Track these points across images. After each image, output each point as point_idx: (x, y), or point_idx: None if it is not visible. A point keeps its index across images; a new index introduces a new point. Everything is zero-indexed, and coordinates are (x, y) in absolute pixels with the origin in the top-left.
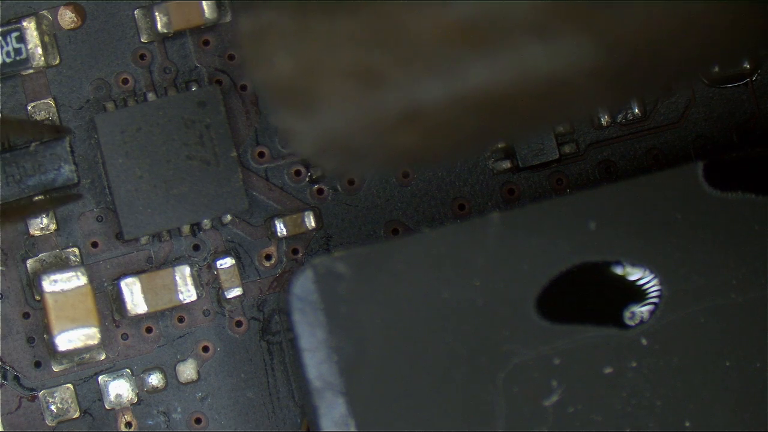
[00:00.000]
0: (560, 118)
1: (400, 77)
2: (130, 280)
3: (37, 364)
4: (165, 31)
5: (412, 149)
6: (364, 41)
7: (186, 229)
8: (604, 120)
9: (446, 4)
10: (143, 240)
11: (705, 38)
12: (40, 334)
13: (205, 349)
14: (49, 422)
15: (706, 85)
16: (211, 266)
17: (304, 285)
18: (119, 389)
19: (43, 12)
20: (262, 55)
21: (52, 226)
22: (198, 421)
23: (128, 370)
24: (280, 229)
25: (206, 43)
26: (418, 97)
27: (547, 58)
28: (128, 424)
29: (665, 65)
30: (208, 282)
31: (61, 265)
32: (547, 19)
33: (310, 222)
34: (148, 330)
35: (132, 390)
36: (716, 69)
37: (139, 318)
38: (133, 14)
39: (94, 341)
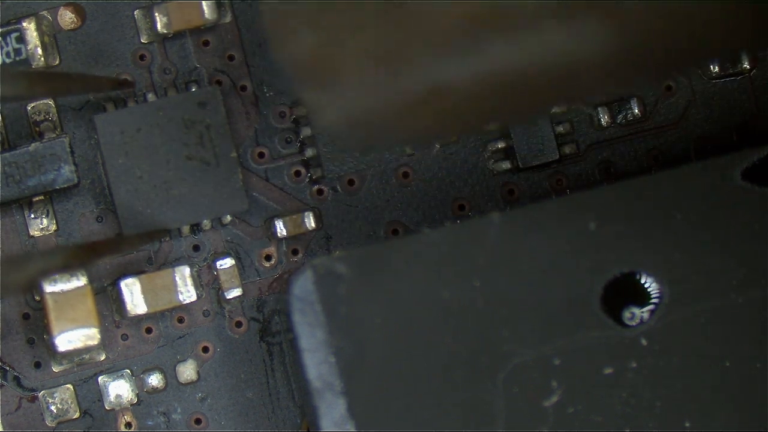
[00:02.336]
0: (576, 100)
1: (421, 56)
2: (129, 280)
3: (37, 365)
4: (165, 31)
5: (432, 126)
6: (386, 20)
7: (186, 229)
8: (604, 120)
9: None
10: None
11: (708, 29)
12: (40, 334)
13: (205, 349)
14: (49, 423)
15: (705, 80)
16: (211, 267)
17: (304, 285)
18: (119, 390)
19: (43, 12)
20: (286, 32)
21: (52, 227)
22: (198, 421)
23: (128, 371)
24: (280, 229)
25: (206, 43)
26: (438, 76)
27: (562, 41)
28: (128, 425)
29: (674, 52)
30: (208, 282)
31: None
32: (565, 5)
33: (310, 222)
34: (148, 330)
35: (132, 390)
36: (715, 68)
37: (139, 318)
38: (133, 15)
39: (94, 342)
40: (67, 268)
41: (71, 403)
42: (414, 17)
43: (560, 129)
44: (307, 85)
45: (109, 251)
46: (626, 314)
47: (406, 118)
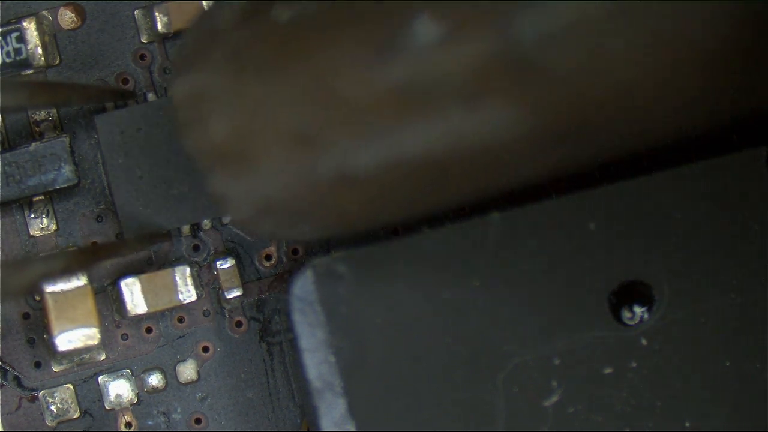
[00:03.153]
0: (495, 184)
1: (334, 141)
2: (130, 280)
3: (37, 365)
4: (165, 31)
5: (350, 212)
6: (299, 105)
7: (186, 229)
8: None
9: (378, 69)
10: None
11: (642, 106)
12: (40, 334)
13: (205, 349)
14: (49, 422)
15: None
16: (211, 266)
17: (304, 285)
18: (119, 389)
19: (43, 12)
20: (197, 118)
21: (52, 226)
22: (198, 421)
23: (128, 371)
24: None
25: None
26: (354, 161)
27: (476, 126)
28: (128, 425)
29: (600, 131)
30: (208, 282)
31: None
32: (477, 88)
33: None
34: (148, 330)
35: (132, 390)
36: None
37: (139, 318)
38: (133, 14)
39: (94, 341)
40: (68, 272)
41: (71, 402)
42: (329, 100)
43: None
44: (219, 173)
45: (109, 255)
46: (626, 314)
47: (323, 206)
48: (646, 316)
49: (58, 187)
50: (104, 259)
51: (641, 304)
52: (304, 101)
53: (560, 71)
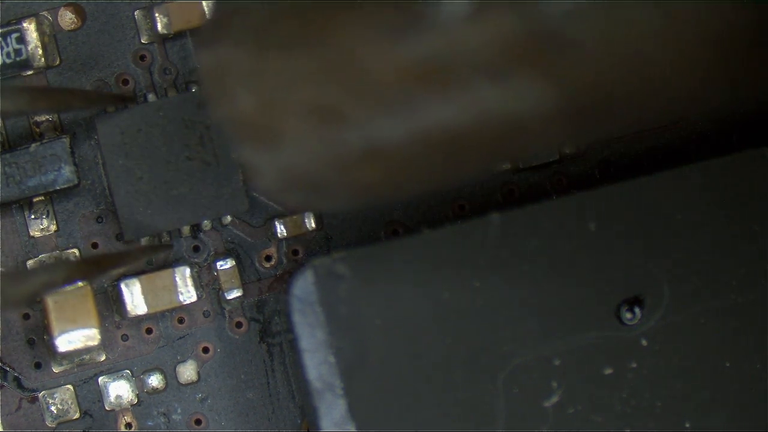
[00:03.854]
0: (516, 156)
1: (358, 114)
2: (130, 281)
3: (38, 365)
4: (165, 31)
5: (373, 185)
6: (323, 78)
7: (186, 230)
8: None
9: (403, 43)
10: (143, 241)
11: (661, 86)
12: (40, 335)
13: (205, 350)
14: (50, 423)
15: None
16: (211, 267)
17: (304, 286)
18: (119, 390)
19: (44, 13)
20: (223, 91)
21: (53, 227)
22: (198, 422)
23: (128, 371)
24: (281, 230)
25: None
26: (377, 134)
27: (500, 99)
28: (128, 425)
29: (620, 109)
30: (208, 283)
31: None
32: (501, 61)
33: (310, 223)
34: (148, 331)
35: (132, 391)
36: None
37: (139, 319)
38: (134, 15)
39: (94, 342)
40: (68, 281)
41: (71, 403)
42: (352, 75)
43: None
44: (246, 144)
45: (111, 265)
46: (626, 315)
47: (346, 178)
48: (646, 317)
49: (58, 187)
50: (106, 269)
51: (641, 305)
52: (327, 76)
53: (585, 46)
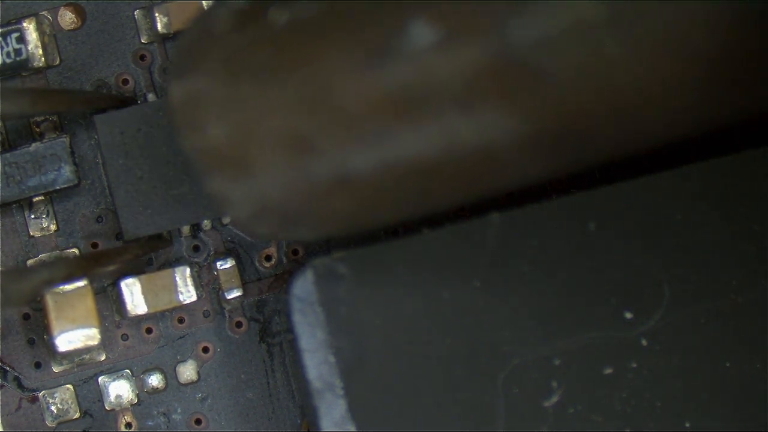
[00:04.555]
0: (490, 188)
1: (330, 144)
2: (130, 280)
3: (38, 365)
4: (165, 31)
5: (345, 215)
6: (295, 108)
7: (186, 229)
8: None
9: (374, 73)
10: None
11: (639, 114)
12: (40, 334)
13: (205, 349)
14: (50, 423)
15: None
16: (211, 267)
17: (304, 286)
18: (119, 390)
19: (44, 13)
20: (195, 121)
21: (53, 227)
22: (198, 421)
23: (128, 371)
24: None
25: None
26: (349, 164)
27: (471, 130)
28: (128, 425)
29: (596, 136)
30: (208, 283)
31: None
32: (471, 91)
33: None
34: (148, 331)
35: (132, 391)
36: None
37: (140, 319)
38: (134, 15)
39: (94, 342)
40: (69, 278)
41: (71, 403)
42: (325, 104)
43: None
44: (217, 174)
45: (111, 260)
46: (626, 314)
47: (318, 208)
48: (646, 317)
49: (58, 187)
50: (106, 265)
51: (641, 305)
52: (300, 105)
53: (556, 76)
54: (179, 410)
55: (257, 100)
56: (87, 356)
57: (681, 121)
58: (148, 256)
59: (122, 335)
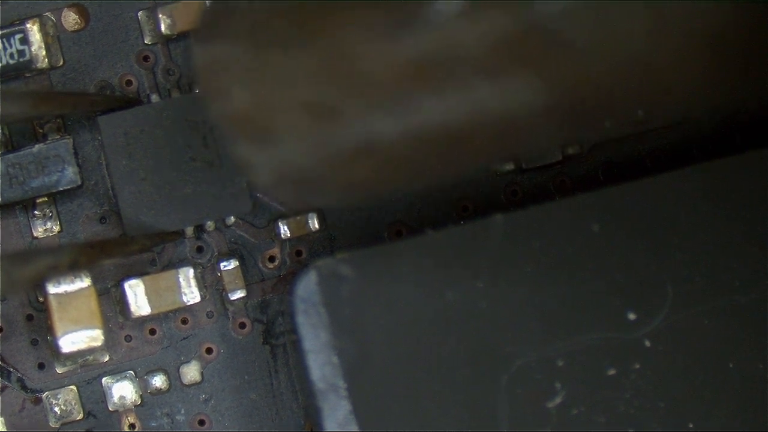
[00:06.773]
0: (511, 155)
1: (354, 111)
2: (133, 281)
3: (41, 366)
4: (169, 32)
5: (369, 182)
6: (319, 76)
7: (190, 230)
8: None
9: (398, 41)
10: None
11: (658, 85)
12: (43, 335)
13: (209, 350)
14: (53, 424)
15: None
16: (214, 268)
17: (307, 286)
18: (123, 391)
19: (47, 14)
20: (219, 87)
21: (56, 228)
22: (201, 422)
23: (132, 372)
24: (284, 230)
25: None
26: (372, 131)
27: (495, 96)
28: (132, 426)
29: (615, 106)
30: (211, 284)
31: None
32: (495, 59)
33: (314, 223)
34: (152, 332)
35: (135, 392)
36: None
37: (143, 320)
38: (137, 16)
39: (98, 343)
40: (74, 266)
41: (75, 404)
42: (348, 72)
43: None
44: (242, 141)
45: (116, 251)
46: (629, 315)
47: (341, 175)
48: (649, 317)
49: (61, 188)
50: (111, 255)
51: (645, 306)
52: (324, 72)
53: (580, 44)
54: (182, 411)
55: (282, 67)
56: (90, 357)
57: (702, 97)
58: (154, 249)
59: (126, 336)
